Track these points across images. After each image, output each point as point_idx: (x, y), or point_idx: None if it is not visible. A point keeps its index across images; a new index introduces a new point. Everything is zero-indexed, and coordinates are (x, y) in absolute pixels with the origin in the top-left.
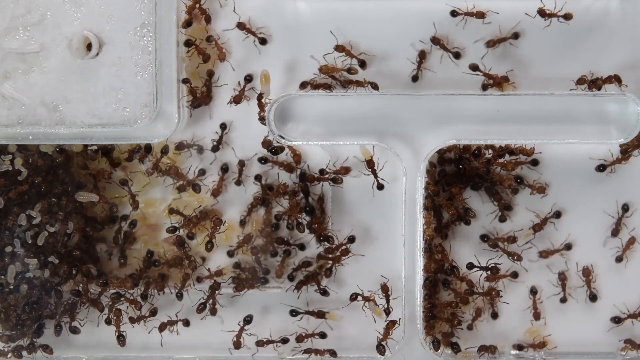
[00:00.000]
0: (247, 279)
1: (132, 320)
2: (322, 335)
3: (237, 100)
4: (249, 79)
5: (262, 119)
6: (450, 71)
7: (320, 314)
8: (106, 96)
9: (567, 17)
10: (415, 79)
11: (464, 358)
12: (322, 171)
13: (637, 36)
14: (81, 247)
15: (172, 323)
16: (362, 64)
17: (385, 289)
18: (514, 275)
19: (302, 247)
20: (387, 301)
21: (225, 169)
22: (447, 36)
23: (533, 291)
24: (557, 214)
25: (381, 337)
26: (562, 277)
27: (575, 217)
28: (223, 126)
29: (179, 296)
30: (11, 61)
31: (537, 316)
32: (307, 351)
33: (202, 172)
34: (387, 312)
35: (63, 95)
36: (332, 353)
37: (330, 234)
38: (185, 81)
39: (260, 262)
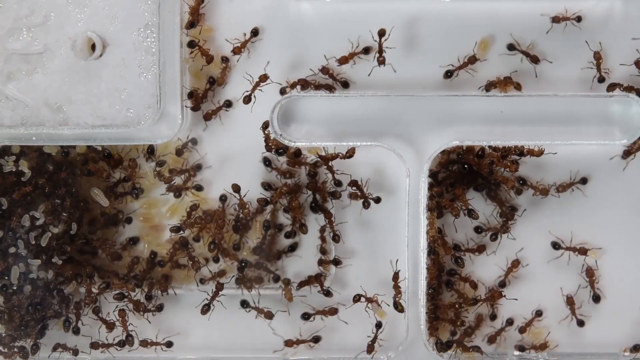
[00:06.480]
0: (250, 279)
1: (137, 309)
2: (316, 340)
3: (236, 51)
4: (254, 32)
5: (269, 149)
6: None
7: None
8: (110, 97)
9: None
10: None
11: (468, 359)
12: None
13: None
14: (83, 250)
15: (153, 344)
16: (345, 85)
17: (396, 277)
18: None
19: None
20: (397, 292)
21: (224, 199)
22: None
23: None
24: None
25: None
26: (590, 274)
27: (576, 217)
28: (223, 198)
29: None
30: (15, 62)
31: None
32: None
33: (199, 167)
34: (398, 307)
35: (67, 96)
36: None
37: (337, 232)
38: (190, 95)
39: (269, 270)
